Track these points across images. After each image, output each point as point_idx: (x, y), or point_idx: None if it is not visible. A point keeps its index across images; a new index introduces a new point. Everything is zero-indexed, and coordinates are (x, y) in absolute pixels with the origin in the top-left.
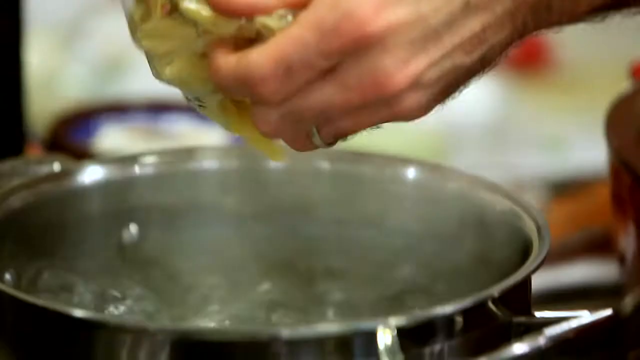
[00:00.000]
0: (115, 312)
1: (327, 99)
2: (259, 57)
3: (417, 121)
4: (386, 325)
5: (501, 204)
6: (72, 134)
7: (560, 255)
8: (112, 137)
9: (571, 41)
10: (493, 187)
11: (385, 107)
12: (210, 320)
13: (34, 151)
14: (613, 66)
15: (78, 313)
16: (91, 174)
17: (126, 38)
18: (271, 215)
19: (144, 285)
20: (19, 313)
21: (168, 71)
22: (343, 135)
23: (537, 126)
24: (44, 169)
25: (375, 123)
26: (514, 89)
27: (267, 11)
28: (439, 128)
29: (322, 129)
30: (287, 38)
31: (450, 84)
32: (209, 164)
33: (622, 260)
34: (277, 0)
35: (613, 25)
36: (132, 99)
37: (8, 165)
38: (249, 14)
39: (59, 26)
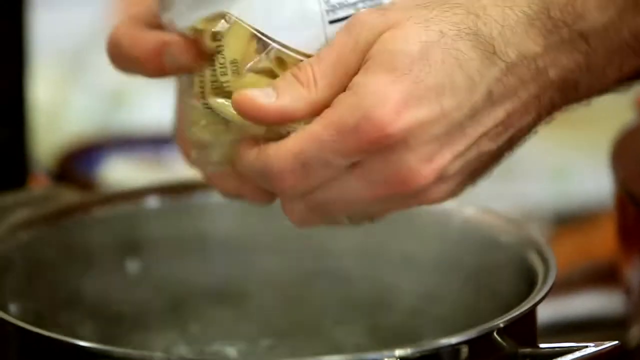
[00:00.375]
0: (121, 343)
1: (352, 194)
2: (277, 153)
3: None
4: (391, 356)
5: (507, 234)
6: (78, 166)
7: (565, 286)
8: (118, 169)
9: None
10: (499, 218)
11: (413, 198)
12: (216, 352)
13: (40, 183)
14: (618, 98)
15: (83, 343)
16: (97, 206)
17: None
18: (277, 247)
19: (150, 317)
20: (25, 343)
21: (213, 160)
22: (371, 219)
23: (542, 157)
24: (49, 202)
25: (403, 209)
26: None
27: (295, 119)
28: None
29: (350, 216)
30: (306, 135)
31: (477, 169)
32: (214, 195)
33: (627, 292)
34: (306, 110)
35: None
36: (137, 130)
37: (14, 197)
38: (279, 122)
39: (64, 59)
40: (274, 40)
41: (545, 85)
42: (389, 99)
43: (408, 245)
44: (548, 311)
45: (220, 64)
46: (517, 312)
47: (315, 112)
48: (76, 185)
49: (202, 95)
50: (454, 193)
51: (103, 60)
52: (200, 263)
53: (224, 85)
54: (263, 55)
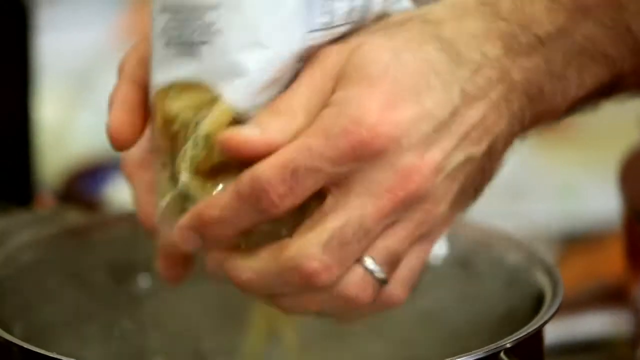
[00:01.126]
0: None
1: (359, 212)
2: (265, 165)
3: None
4: None
5: (514, 254)
6: (84, 187)
7: (573, 306)
8: (124, 190)
9: None
10: (506, 238)
11: (420, 210)
12: None
13: (45, 204)
14: (625, 118)
15: None
16: (103, 227)
17: None
18: None
19: (156, 338)
20: None
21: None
22: (395, 260)
23: (550, 177)
24: (55, 222)
25: (414, 236)
26: (528, 139)
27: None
28: None
29: (371, 253)
30: (293, 145)
31: (467, 182)
32: None
33: (635, 312)
34: (291, 139)
35: None
36: None
37: (19, 217)
38: (267, 155)
39: (70, 79)
40: None
41: (512, 86)
42: (373, 102)
43: None
44: (555, 331)
45: (194, 138)
46: (525, 332)
47: (298, 136)
48: (82, 205)
49: (171, 168)
50: (452, 208)
51: (109, 81)
52: (205, 282)
53: (192, 159)
54: None
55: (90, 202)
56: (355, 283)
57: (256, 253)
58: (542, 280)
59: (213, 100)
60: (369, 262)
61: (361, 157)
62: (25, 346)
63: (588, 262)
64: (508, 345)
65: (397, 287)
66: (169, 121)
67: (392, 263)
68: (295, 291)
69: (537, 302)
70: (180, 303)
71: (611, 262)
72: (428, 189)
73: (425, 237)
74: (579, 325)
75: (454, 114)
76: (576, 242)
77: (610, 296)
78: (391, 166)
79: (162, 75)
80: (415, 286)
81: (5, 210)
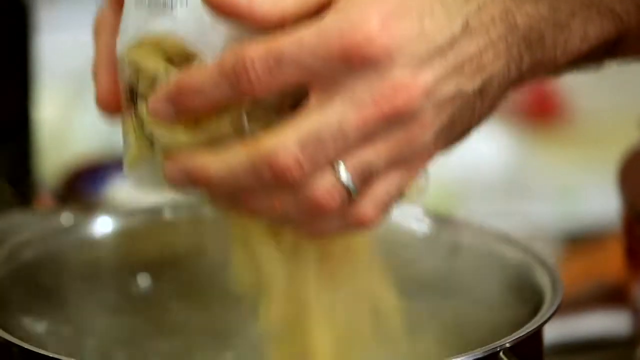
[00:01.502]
0: None
1: (340, 116)
2: (252, 46)
3: (430, 170)
4: None
5: (514, 254)
6: (83, 186)
7: (573, 306)
8: (123, 189)
9: (583, 92)
10: (506, 238)
11: (403, 131)
12: None
13: (45, 203)
14: (625, 118)
15: None
16: (102, 226)
17: None
18: None
19: (156, 335)
20: None
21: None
22: (368, 173)
23: (550, 177)
24: (54, 221)
25: (393, 157)
26: (527, 139)
27: (263, 24)
28: (453, 178)
29: (346, 161)
30: (286, 37)
31: (455, 117)
32: (217, 213)
33: (635, 311)
34: (275, 16)
35: (625, 78)
36: None
37: (19, 217)
38: (247, 22)
39: (70, 79)
40: None
41: (512, 29)
42: (375, 14)
43: (414, 265)
44: (555, 331)
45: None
46: (524, 332)
47: (284, 22)
48: (81, 204)
49: (134, 105)
50: (436, 138)
51: None
52: (204, 281)
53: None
54: None
55: (90, 202)
56: (324, 188)
57: (228, 147)
58: (542, 280)
59: (187, 56)
60: (341, 170)
61: (351, 62)
62: (25, 346)
63: (588, 262)
64: (507, 345)
65: (368, 206)
66: (138, 74)
67: (365, 177)
68: (263, 188)
69: (537, 301)
70: (180, 303)
71: (611, 262)
72: (415, 110)
73: (404, 162)
74: (579, 325)
75: (452, 42)
76: (576, 242)
77: (610, 296)
78: (381, 78)
79: (134, 29)
80: (388, 214)
81: (5, 210)
